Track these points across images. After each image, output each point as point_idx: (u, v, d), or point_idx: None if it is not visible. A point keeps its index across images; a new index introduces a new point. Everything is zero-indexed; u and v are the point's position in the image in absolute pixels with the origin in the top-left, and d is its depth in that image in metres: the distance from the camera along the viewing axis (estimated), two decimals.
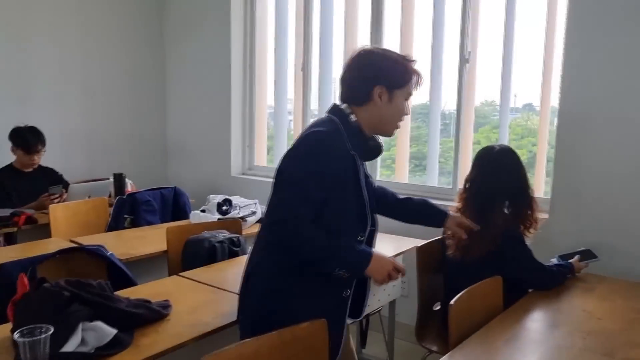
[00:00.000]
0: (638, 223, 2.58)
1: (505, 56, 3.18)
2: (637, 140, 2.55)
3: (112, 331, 1.46)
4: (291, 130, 4.25)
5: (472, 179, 2.25)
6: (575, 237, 2.72)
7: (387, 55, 1.65)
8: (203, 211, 3.08)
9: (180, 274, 2.18)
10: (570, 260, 2.35)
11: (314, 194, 1.51)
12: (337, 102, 1.68)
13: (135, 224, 3.29)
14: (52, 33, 4.06)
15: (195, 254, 2.41)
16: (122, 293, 1.91)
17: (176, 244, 2.51)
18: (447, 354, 1.52)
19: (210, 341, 1.60)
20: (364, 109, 1.63)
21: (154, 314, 1.64)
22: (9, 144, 3.47)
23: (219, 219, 2.96)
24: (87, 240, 2.66)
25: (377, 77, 1.61)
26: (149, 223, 3.32)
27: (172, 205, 3.62)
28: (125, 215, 3.33)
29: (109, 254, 2.18)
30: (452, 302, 1.63)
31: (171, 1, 4.59)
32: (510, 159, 2.25)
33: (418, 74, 1.67)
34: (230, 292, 1.97)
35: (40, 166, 3.63)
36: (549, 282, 2.18)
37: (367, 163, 1.75)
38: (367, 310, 2.17)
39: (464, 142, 3.29)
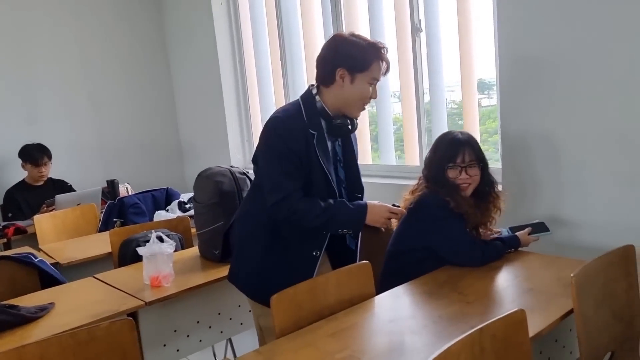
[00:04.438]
0: (592, 193, 2.30)
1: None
2: (587, 99, 2.26)
3: None
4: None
5: None
6: (530, 208, 2.50)
7: (352, 40, 1.77)
8: (167, 210, 3.21)
9: (95, 275, 2.31)
10: (517, 233, 2.16)
11: (292, 169, 1.72)
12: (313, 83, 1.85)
13: (124, 226, 3.51)
14: (54, 49, 4.39)
15: (124, 254, 2.54)
16: (39, 293, 2.14)
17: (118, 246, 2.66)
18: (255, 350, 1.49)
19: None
20: (330, 90, 1.78)
21: (15, 318, 1.77)
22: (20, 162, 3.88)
23: (177, 216, 3.07)
24: (54, 247, 2.93)
25: (339, 60, 1.74)
26: None
27: (165, 205, 3.81)
28: (115, 219, 3.57)
29: (37, 260, 2.37)
30: (273, 296, 1.58)
31: (171, 6, 4.77)
32: (436, 143, 2.16)
33: (382, 60, 1.76)
34: (123, 291, 2.08)
35: (50, 179, 4.00)
36: (468, 258, 1.99)
37: None
38: None
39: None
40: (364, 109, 1.83)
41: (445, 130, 3.12)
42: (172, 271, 2.11)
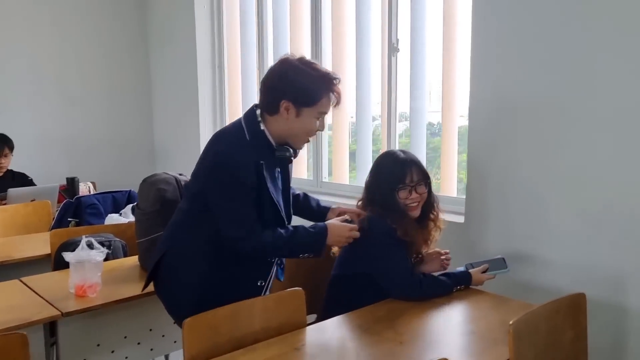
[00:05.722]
0: (556, 233, 2.19)
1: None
2: (556, 135, 2.16)
3: None
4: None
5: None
6: (492, 243, 2.39)
7: (302, 70, 1.64)
8: (121, 214, 3.08)
9: (23, 278, 2.17)
10: (471, 270, 2.04)
11: (249, 202, 1.63)
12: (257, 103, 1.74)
13: (67, 228, 3.34)
14: (28, 39, 4.22)
15: (61, 258, 2.38)
16: None
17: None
18: None
19: None
20: (274, 119, 1.68)
21: None
22: None
23: (128, 221, 2.94)
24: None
25: (285, 92, 1.63)
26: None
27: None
28: (70, 219, 3.42)
29: None
30: (186, 320, 1.45)
31: (155, 6, 4.66)
32: (378, 165, 2.06)
33: (334, 93, 1.67)
34: (44, 299, 1.95)
35: (10, 171, 3.85)
36: (405, 289, 1.87)
37: None
38: None
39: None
40: (308, 141, 1.75)
41: (424, 154, 3.04)
42: (99, 281, 1.97)
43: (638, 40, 1.91)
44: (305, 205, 1.98)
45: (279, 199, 1.72)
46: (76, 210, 3.40)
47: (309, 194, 2.03)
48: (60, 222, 3.37)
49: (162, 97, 4.76)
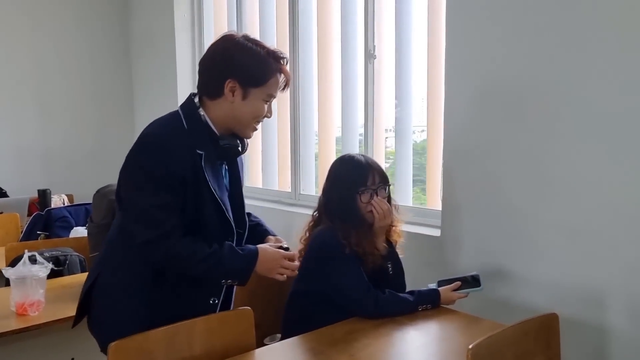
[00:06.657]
0: (537, 247, 2.05)
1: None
2: (536, 143, 2.03)
3: None
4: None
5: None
6: (467, 258, 2.26)
7: (248, 47, 1.48)
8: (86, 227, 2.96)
9: None
10: (441, 288, 1.91)
11: (170, 200, 1.41)
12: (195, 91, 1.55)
13: (24, 241, 3.21)
14: (3, 48, 4.13)
15: None
16: None
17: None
18: None
19: None
20: (216, 103, 1.49)
21: None
22: None
23: None
24: None
25: (230, 70, 1.46)
26: None
27: None
28: (39, 232, 3.31)
29: None
30: (112, 344, 1.32)
31: (136, 16, 4.60)
32: (336, 170, 1.93)
33: (283, 74, 1.50)
34: None
35: None
36: (359, 305, 1.75)
37: None
38: None
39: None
40: (255, 128, 1.55)
41: (411, 169, 2.91)
42: (42, 298, 1.85)
43: (631, 38, 1.78)
44: (255, 223, 1.71)
45: (224, 198, 1.50)
46: (46, 223, 3.30)
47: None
48: (29, 235, 3.27)
49: (144, 107, 4.66)
